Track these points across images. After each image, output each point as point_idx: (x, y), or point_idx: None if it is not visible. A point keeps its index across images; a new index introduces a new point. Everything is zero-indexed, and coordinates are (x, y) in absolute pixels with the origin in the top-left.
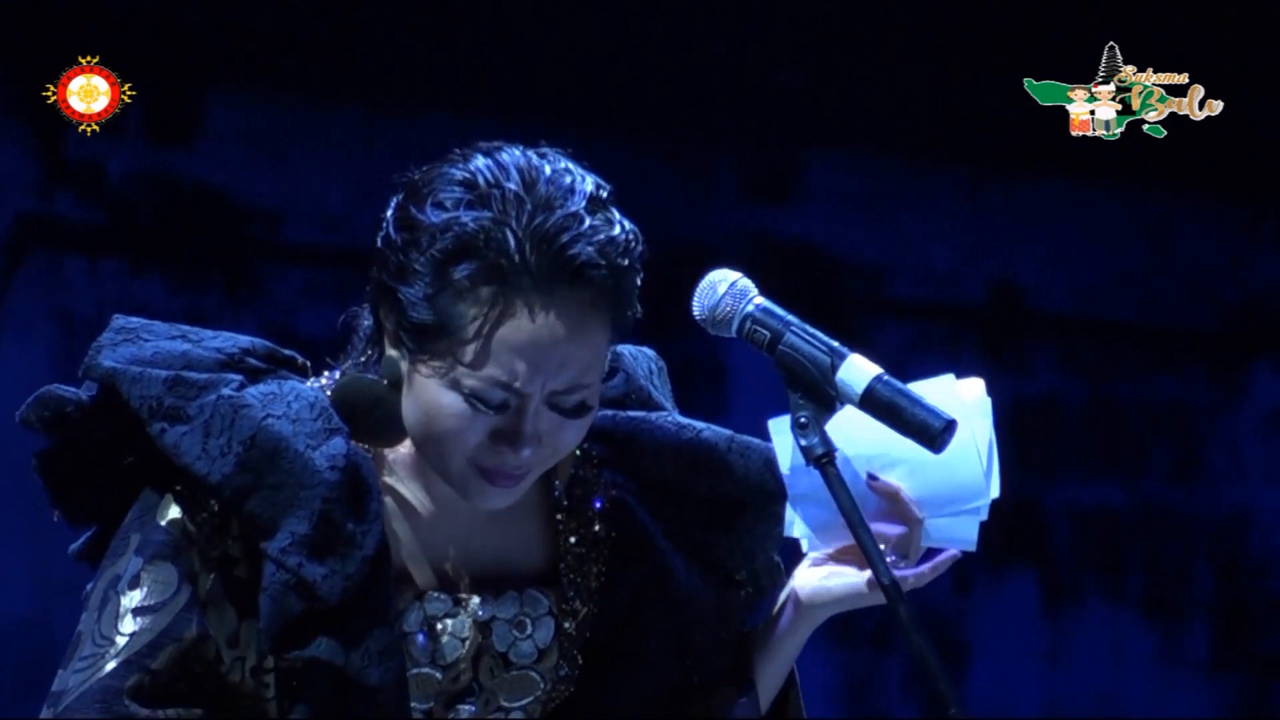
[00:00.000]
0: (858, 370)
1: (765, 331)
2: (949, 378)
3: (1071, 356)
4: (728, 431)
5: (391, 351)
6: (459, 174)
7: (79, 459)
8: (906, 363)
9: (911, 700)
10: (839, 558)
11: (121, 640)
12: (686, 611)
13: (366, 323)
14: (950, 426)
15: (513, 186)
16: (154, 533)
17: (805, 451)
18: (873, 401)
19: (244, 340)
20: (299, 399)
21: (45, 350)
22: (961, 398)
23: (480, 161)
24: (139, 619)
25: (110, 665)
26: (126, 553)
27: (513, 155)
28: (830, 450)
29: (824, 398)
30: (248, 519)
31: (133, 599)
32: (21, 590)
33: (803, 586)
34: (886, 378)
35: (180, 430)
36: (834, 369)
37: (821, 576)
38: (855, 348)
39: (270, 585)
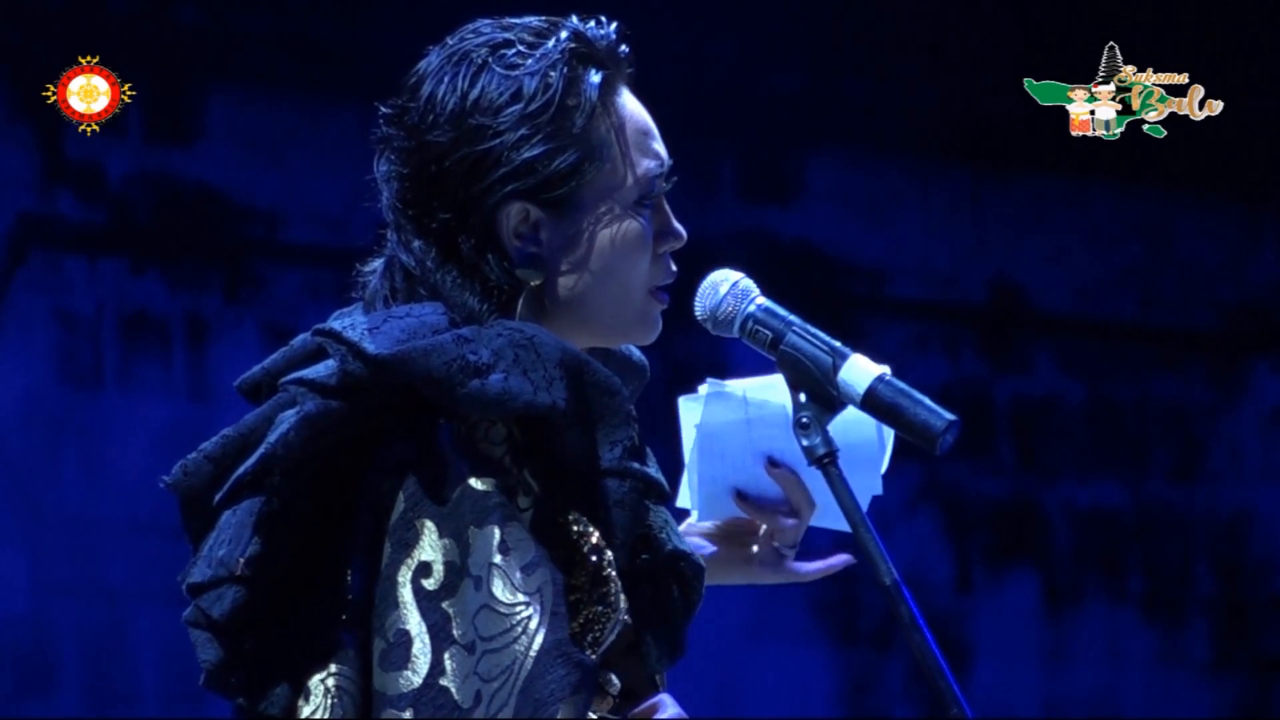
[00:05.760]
0: (860, 370)
1: (767, 332)
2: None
3: (1071, 356)
4: None
5: (521, 262)
6: (487, 43)
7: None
8: (907, 362)
9: (912, 701)
10: (723, 532)
11: (534, 599)
12: None
13: (446, 280)
14: (952, 426)
15: (537, 22)
16: (477, 500)
17: (807, 452)
18: (875, 402)
19: (440, 305)
20: (530, 325)
21: (45, 350)
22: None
23: (483, 32)
24: (532, 575)
25: (543, 628)
26: (447, 532)
27: (489, 20)
28: (833, 450)
29: (826, 398)
30: (571, 444)
31: (513, 561)
32: (21, 590)
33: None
34: (889, 378)
35: (498, 377)
36: (836, 369)
37: (711, 552)
38: (856, 347)
39: (623, 498)
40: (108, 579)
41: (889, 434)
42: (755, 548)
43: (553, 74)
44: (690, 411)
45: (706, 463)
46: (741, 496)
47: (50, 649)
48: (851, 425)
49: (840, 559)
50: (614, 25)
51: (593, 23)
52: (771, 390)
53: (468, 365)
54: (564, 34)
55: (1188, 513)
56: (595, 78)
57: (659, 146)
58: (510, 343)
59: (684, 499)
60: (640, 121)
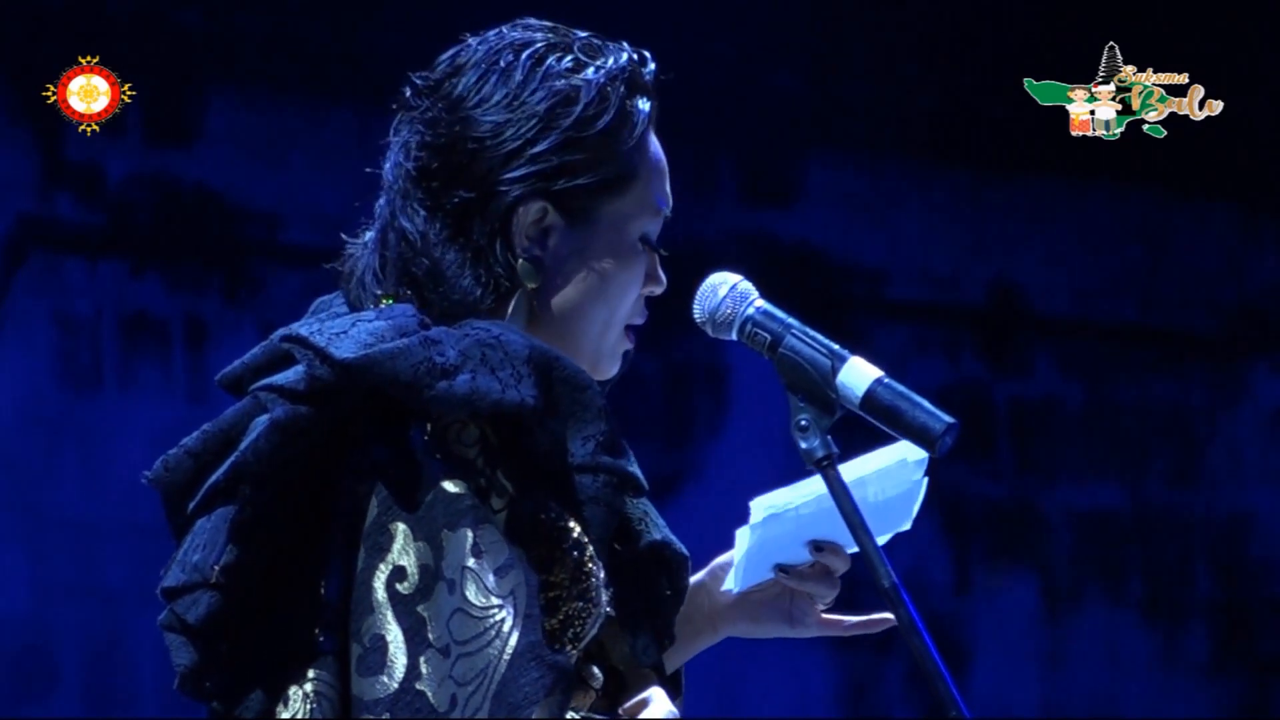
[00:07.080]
0: (858, 373)
1: (766, 334)
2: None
3: (1071, 357)
4: None
5: (525, 260)
6: (544, 41)
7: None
8: (907, 364)
9: (912, 703)
10: (752, 594)
11: (507, 602)
12: None
13: (447, 257)
14: (951, 429)
15: (593, 39)
16: (450, 503)
17: (806, 455)
18: (873, 404)
19: (409, 308)
20: (498, 324)
21: (45, 351)
22: (908, 459)
23: (535, 29)
24: (505, 578)
25: (516, 630)
26: (421, 535)
27: (536, 21)
28: (831, 453)
29: (825, 401)
30: (543, 441)
31: (486, 564)
32: (21, 590)
33: (724, 610)
34: (887, 381)
35: (465, 378)
36: (835, 372)
37: (744, 607)
38: (855, 349)
39: (599, 494)
40: (107, 580)
41: (924, 483)
42: (792, 600)
43: (610, 90)
44: (744, 537)
45: (754, 558)
46: (781, 569)
47: (50, 650)
48: (892, 480)
49: (882, 618)
50: (653, 65)
51: (637, 55)
52: (820, 497)
53: (434, 367)
54: (623, 56)
55: (1187, 515)
56: (645, 106)
57: (668, 189)
58: (477, 342)
59: (729, 584)
60: (662, 163)
